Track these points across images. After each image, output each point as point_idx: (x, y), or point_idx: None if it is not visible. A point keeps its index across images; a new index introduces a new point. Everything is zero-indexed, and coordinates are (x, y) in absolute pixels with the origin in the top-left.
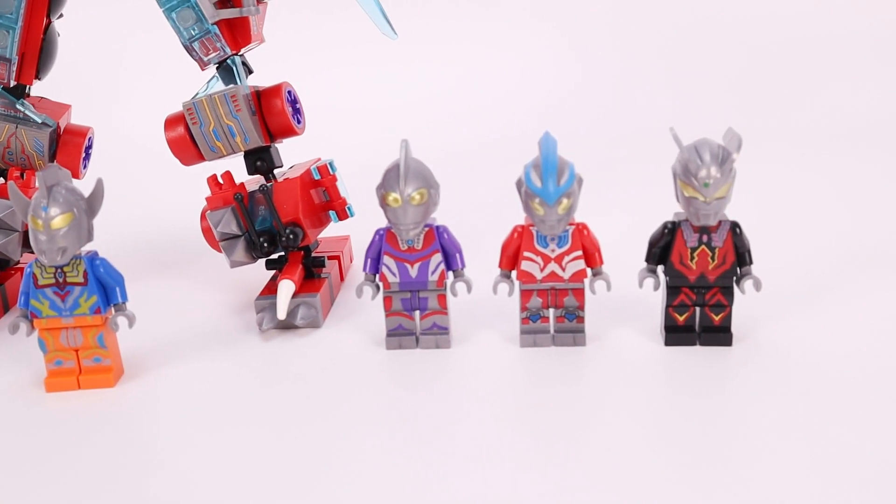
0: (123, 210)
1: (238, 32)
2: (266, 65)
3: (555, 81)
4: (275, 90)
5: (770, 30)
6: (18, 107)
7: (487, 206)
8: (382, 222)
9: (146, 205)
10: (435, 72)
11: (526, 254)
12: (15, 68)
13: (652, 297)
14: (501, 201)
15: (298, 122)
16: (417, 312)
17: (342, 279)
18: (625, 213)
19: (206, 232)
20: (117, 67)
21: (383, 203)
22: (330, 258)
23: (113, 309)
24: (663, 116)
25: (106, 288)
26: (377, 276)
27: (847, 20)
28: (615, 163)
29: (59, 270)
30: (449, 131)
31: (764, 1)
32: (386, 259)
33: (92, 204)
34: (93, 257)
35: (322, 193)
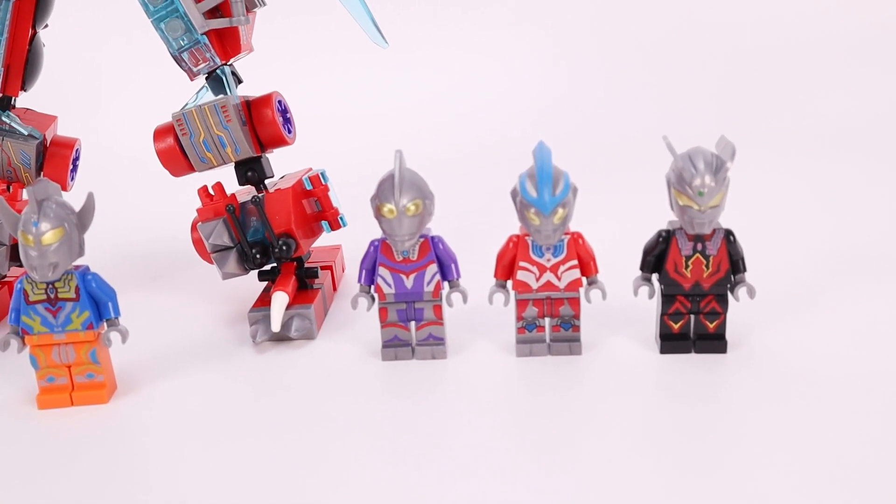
0: (111, 222)
1: (227, 42)
2: (253, 72)
3: (543, 87)
4: (265, 100)
5: (755, 36)
6: (4, 119)
7: (479, 213)
8: (373, 231)
9: (134, 216)
10: (422, 79)
11: (521, 263)
12: (0, 80)
13: (646, 305)
14: (492, 207)
15: (289, 131)
16: (413, 323)
17: (335, 289)
18: (614, 219)
19: (197, 243)
20: (100, 77)
21: (378, 214)
22: (322, 268)
23: (105, 324)
24: (651, 122)
25: (98, 303)
26: (372, 287)
27: (829, 26)
28: (604, 169)
29: (50, 286)
30: (438, 138)
31: (748, 8)
32: (381, 270)
33: (83, 218)
34: (84, 272)
35: (314, 203)
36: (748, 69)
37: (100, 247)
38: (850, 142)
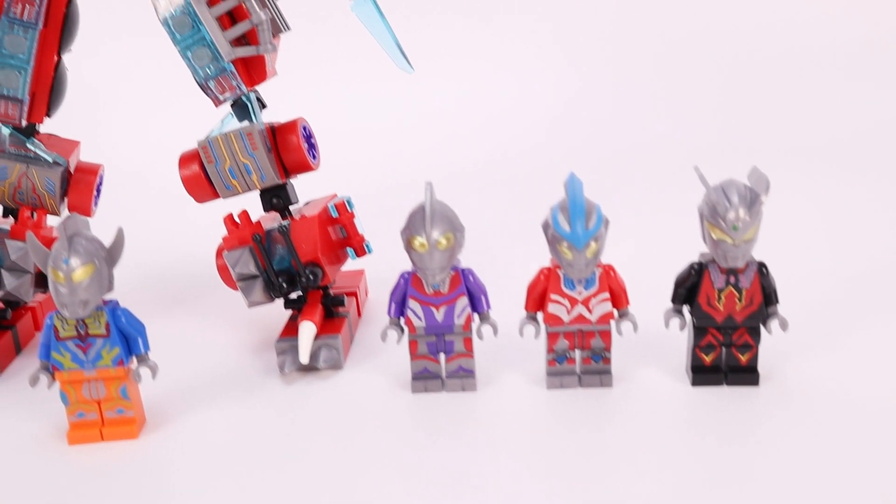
0: (130, 245)
1: (253, 70)
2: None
3: (553, 97)
4: (290, 126)
5: (768, 45)
6: (29, 146)
7: (497, 231)
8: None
9: (153, 240)
10: (433, 91)
11: (553, 296)
12: (26, 108)
13: (675, 334)
14: (510, 225)
15: (314, 157)
16: (443, 355)
17: (359, 315)
18: (636, 240)
19: (222, 270)
20: (118, 98)
21: (409, 247)
22: (347, 295)
23: (135, 359)
24: (676, 136)
25: (128, 338)
26: (402, 319)
27: (853, 39)
28: (625, 186)
29: (80, 322)
30: (449, 154)
31: (759, 16)
32: (411, 303)
33: (112, 253)
34: (114, 308)
35: (339, 230)
36: (765, 79)
37: (120, 272)
38: (877, 161)
